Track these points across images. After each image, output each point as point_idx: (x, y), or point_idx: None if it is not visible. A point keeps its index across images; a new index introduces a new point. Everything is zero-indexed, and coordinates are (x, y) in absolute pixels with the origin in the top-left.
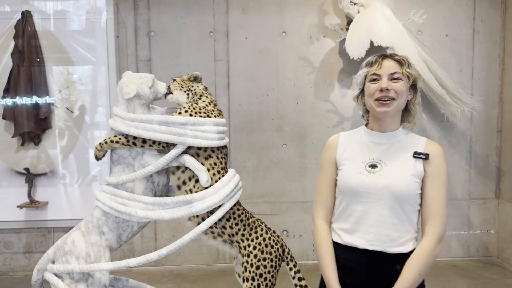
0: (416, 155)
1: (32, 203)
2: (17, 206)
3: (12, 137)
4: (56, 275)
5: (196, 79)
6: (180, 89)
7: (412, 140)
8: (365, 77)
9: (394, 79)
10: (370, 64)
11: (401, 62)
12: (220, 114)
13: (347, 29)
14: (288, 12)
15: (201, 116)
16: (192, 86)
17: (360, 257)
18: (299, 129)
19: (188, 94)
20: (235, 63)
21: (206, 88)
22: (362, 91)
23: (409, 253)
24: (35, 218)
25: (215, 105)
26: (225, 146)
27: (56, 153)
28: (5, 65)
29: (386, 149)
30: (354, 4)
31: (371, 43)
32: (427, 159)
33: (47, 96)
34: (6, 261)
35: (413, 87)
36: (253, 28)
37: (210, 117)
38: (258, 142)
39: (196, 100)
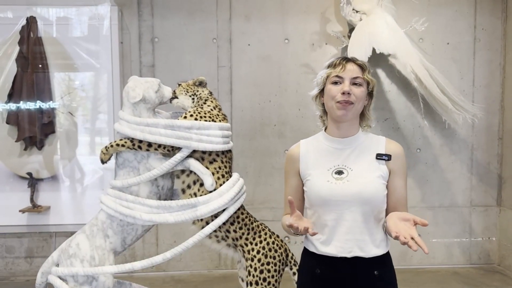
0: (379, 157)
1: (35, 208)
2: (20, 211)
3: (16, 141)
4: (60, 278)
5: (201, 84)
6: (186, 94)
7: (372, 141)
8: (327, 78)
9: (356, 84)
10: (334, 66)
11: (363, 67)
12: (224, 118)
13: (349, 37)
14: (291, 20)
15: (206, 121)
16: (197, 91)
17: (338, 266)
18: (301, 135)
19: (193, 99)
20: (238, 69)
21: (211, 93)
22: (321, 91)
23: (385, 256)
24: (37, 223)
25: (219, 109)
26: (230, 150)
27: (58, 158)
28: (9, 70)
29: (349, 153)
30: (356, 11)
31: (373, 50)
32: (390, 159)
33: (51, 101)
34: (7, 266)
35: (370, 93)
36: (256, 35)
37: (215, 121)
38: (260, 148)
39: (201, 105)
